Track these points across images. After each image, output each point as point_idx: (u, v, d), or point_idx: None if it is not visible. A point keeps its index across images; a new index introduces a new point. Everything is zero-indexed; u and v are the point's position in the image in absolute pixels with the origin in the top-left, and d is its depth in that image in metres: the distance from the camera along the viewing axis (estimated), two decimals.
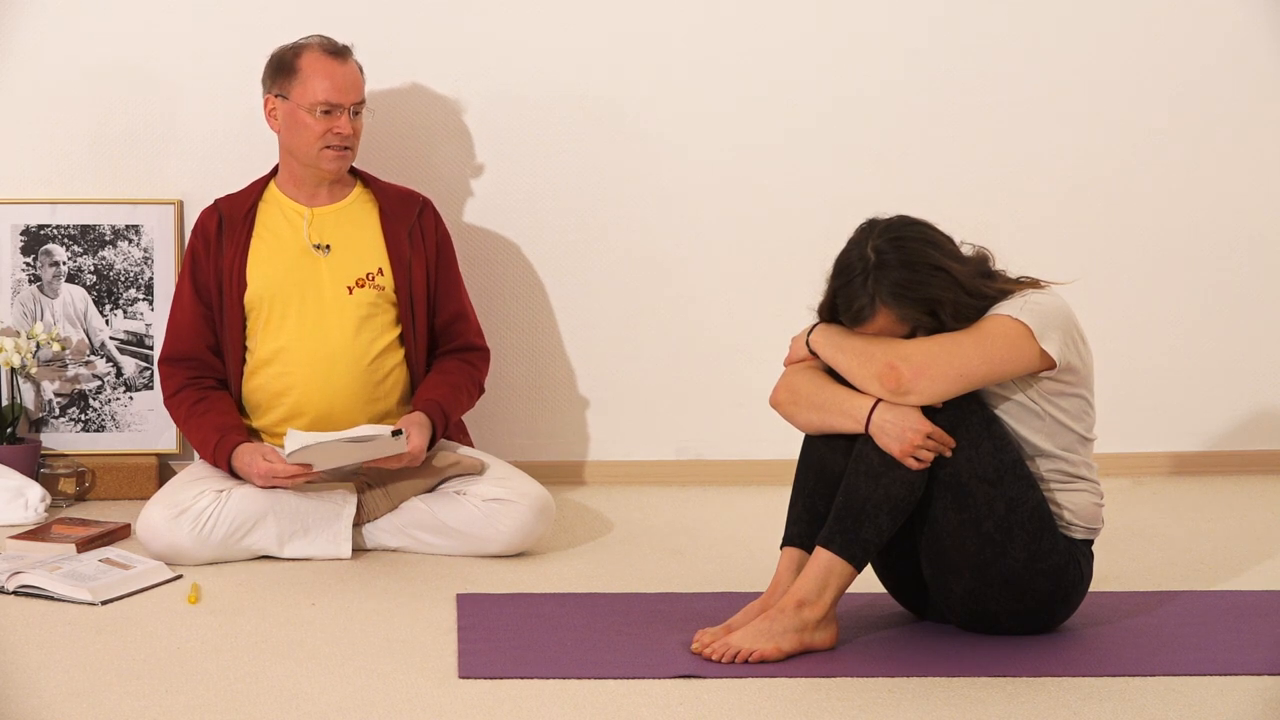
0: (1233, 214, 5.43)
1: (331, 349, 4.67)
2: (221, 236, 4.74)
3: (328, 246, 4.73)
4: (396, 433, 4.41)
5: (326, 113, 4.66)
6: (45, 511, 4.85)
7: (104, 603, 4.14)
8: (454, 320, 4.81)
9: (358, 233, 4.76)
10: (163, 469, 5.16)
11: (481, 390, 4.84)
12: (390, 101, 5.20)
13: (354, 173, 4.85)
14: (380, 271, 4.73)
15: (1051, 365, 3.80)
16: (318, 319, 4.68)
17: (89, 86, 5.16)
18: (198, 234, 4.77)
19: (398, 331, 4.75)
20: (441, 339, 4.81)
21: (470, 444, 4.88)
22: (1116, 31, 5.35)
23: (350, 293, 4.70)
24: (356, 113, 4.70)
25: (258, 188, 4.80)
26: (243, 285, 4.69)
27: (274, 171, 4.81)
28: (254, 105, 4.85)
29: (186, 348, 4.73)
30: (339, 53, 4.70)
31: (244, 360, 4.72)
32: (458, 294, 4.84)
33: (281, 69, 4.70)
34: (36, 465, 5.03)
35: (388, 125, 5.20)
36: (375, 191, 4.81)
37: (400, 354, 4.75)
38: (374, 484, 4.61)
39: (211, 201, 4.82)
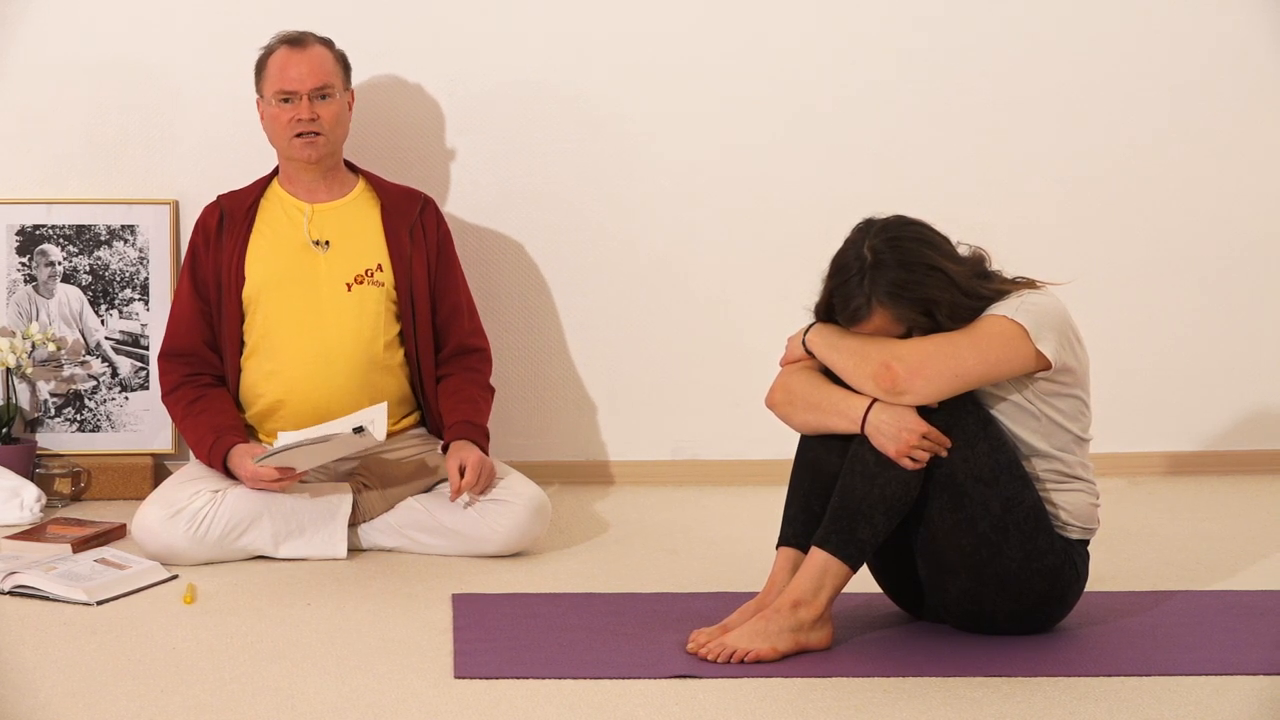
0: (1229, 214, 5.43)
1: (329, 345, 4.67)
2: (222, 232, 4.74)
3: (327, 243, 4.73)
4: (359, 429, 4.40)
5: (285, 100, 4.67)
6: (41, 512, 4.85)
7: (99, 603, 4.13)
8: (450, 316, 4.81)
9: (358, 229, 4.76)
10: (158, 469, 5.16)
11: (492, 390, 4.83)
12: (388, 101, 5.20)
13: (356, 171, 4.85)
14: (379, 268, 4.73)
15: (1047, 366, 3.80)
16: (315, 315, 4.68)
17: (85, 86, 5.16)
18: (199, 229, 4.78)
19: (398, 329, 4.75)
20: (440, 336, 4.81)
21: None
22: (1114, 31, 5.35)
23: (349, 289, 4.70)
24: (323, 97, 4.69)
25: (260, 185, 4.80)
26: (241, 279, 4.70)
27: (276, 170, 4.82)
28: (250, 105, 4.85)
29: (184, 343, 4.73)
30: (297, 41, 4.71)
31: (241, 355, 4.72)
32: (455, 290, 4.83)
33: (257, 71, 4.74)
34: (32, 465, 5.03)
35: (386, 125, 5.20)
36: (377, 189, 4.81)
37: (400, 352, 4.75)
38: (370, 484, 4.60)
39: (213, 199, 4.83)
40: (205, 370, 4.73)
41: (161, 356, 4.77)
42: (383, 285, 4.72)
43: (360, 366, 4.68)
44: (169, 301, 5.03)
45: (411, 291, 4.73)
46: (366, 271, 4.72)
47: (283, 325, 4.69)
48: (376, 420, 4.45)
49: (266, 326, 4.69)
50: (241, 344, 4.72)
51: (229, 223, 4.74)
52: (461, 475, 4.52)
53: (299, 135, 4.68)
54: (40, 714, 3.47)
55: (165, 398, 4.76)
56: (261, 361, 4.70)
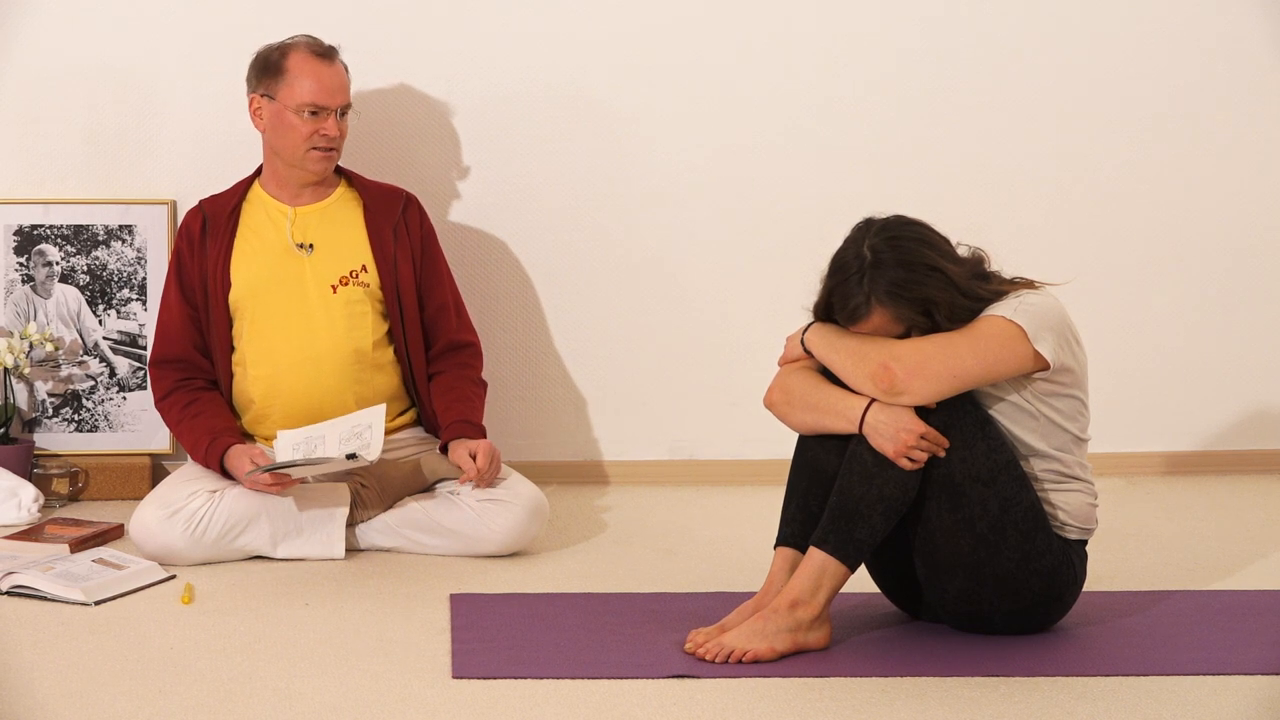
0: (1226, 215, 5.43)
1: (318, 349, 4.66)
2: (205, 237, 4.73)
3: (311, 246, 4.72)
4: (352, 455, 4.39)
5: (314, 114, 4.66)
6: (39, 512, 4.85)
7: (97, 603, 4.13)
8: (438, 313, 4.80)
9: (341, 231, 4.75)
10: (156, 469, 5.16)
11: (484, 384, 4.83)
12: (381, 101, 5.20)
13: (338, 171, 4.84)
14: (364, 269, 4.72)
15: (1045, 366, 3.80)
16: (303, 319, 4.67)
17: (82, 87, 5.15)
18: (182, 235, 4.76)
19: (386, 328, 4.75)
20: (429, 333, 4.80)
21: None
22: (1111, 31, 5.35)
23: (334, 291, 4.70)
24: (343, 114, 4.70)
25: (242, 188, 4.79)
26: (227, 285, 4.69)
27: (258, 171, 4.81)
28: (246, 105, 4.84)
29: (175, 349, 4.72)
30: (326, 54, 4.69)
31: (232, 360, 4.72)
32: (441, 287, 4.82)
33: (268, 69, 4.69)
34: (30, 465, 5.03)
35: (379, 125, 5.20)
36: (359, 189, 4.81)
37: (390, 350, 4.75)
38: (368, 484, 4.60)
39: (196, 202, 4.83)
40: (197, 375, 4.72)
41: (152, 364, 4.76)
42: (368, 286, 4.72)
43: (350, 367, 4.67)
44: None
45: (398, 290, 4.73)
46: (351, 273, 4.71)
47: (270, 329, 4.68)
48: (374, 424, 4.45)
49: (254, 331, 4.69)
50: (231, 348, 4.72)
51: (212, 227, 4.73)
52: (473, 461, 4.53)
53: (316, 148, 4.67)
54: (38, 714, 3.47)
55: (159, 405, 4.75)
56: (251, 366, 4.69)
